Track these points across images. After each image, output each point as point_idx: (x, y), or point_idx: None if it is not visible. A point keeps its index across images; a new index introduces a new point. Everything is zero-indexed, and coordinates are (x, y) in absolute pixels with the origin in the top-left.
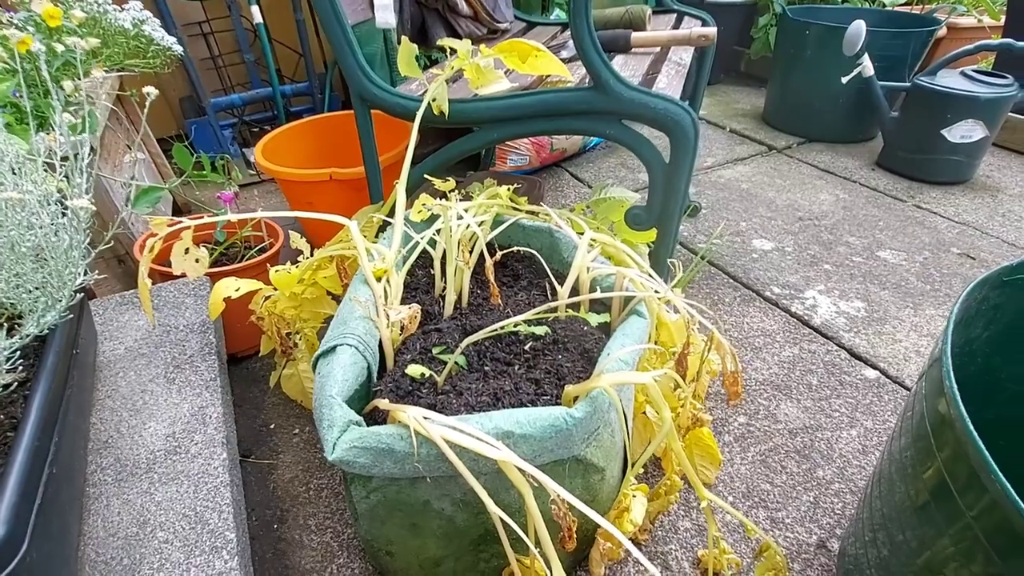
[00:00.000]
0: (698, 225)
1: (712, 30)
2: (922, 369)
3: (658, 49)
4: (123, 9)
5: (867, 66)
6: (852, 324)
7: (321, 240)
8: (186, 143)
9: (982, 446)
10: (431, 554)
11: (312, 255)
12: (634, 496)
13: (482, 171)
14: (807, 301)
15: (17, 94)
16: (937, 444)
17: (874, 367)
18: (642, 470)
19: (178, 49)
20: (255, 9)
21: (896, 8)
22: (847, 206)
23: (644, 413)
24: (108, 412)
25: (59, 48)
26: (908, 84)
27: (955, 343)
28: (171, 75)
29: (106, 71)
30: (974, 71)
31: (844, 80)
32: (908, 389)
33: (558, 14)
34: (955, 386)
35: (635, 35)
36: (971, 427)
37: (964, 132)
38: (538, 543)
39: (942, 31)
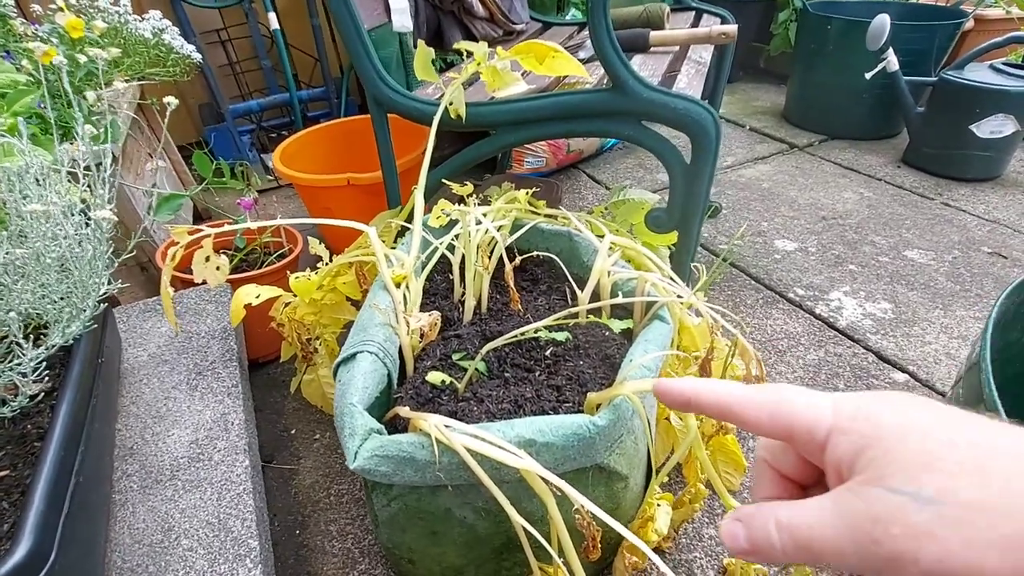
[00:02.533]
0: (718, 226)
1: (733, 27)
2: (958, 373)
3: (677, 48)
4: (143, 19)
5: (892, 61)
6: (879, 326)
7: (340, 245)
8: (206, 150)
9: None
10: (452, 562)
11: (331, 261)
12: (658, 505)
13: (499, 174)
14: (832, 303)
15: (42, 105)
16: None
17: (903, 370)
18: (665, 478)
19: (197, 57)
20: (272, 15)
21: (920, 0)
22: (872, 205)
23: (667, 419)
24: (133, 419)
25: (82, 59)
26: (934, 79)
27: (993, 346)
28: (190, 82)
29: (127, 80)
30: (1004, 64)
31: (868, 76)
32: (939, 392)
33: (574, 14)
34: (995, 393)
35: (654, 34)
36: None
37: (994, 127)
38: (561, 552)
39: (969, 23)
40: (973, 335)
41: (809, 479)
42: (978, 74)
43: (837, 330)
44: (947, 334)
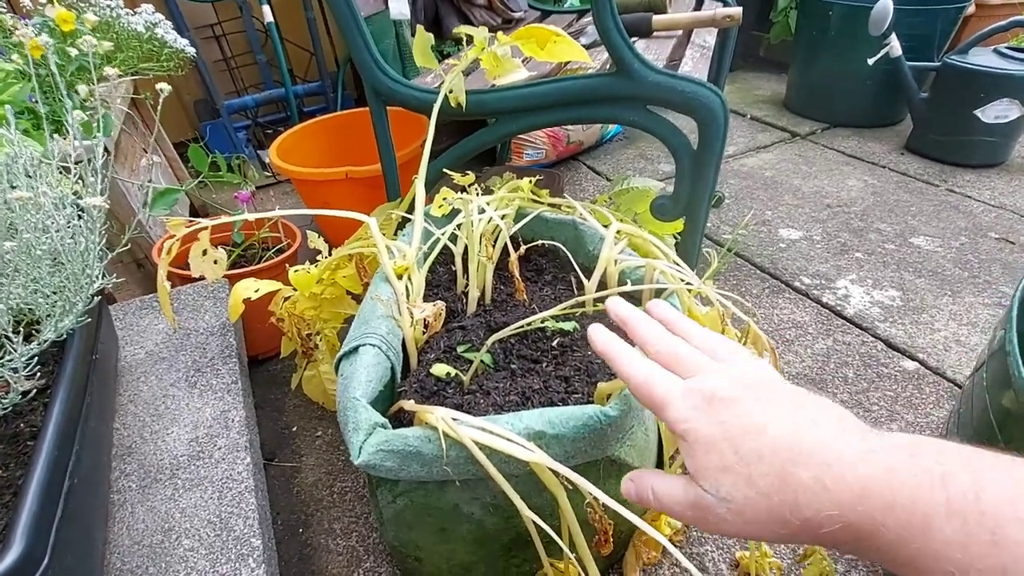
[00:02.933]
0: (722, 215)
1: (738, 10)
2: (978, 361)
3: (680, 33)
4: (135, 13)
5: (895, 46)
6: (887, 314)
7: (339, 239)
8: (201, 144)
9: None
10: (461, 559)
11: (330, 254)
12: None
13: (498, 166)
14: (839, 291)
15: (33, 99)
16: (1004, 438)
17: (913, 358)
18: (679, 470)
19: (191, 51)
20: (266, 9)
21: None
22: (876, 192)
23: None
24: (131, 417)
25: (73, 52)
26: (938, 64)
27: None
28: (184, 78)
29: (120, 75)
30: (1008, 48)
31: (870, 62)
32: (950, 380)
33: (572, 2)
34: None
35: (656, 18)
36: None
37: (999, 112)
38: (573, 547)
39: (971, 8)
40: (983, 321)
41: None
42: (982, 58)
43: (845, 318)
44: (956, 321)
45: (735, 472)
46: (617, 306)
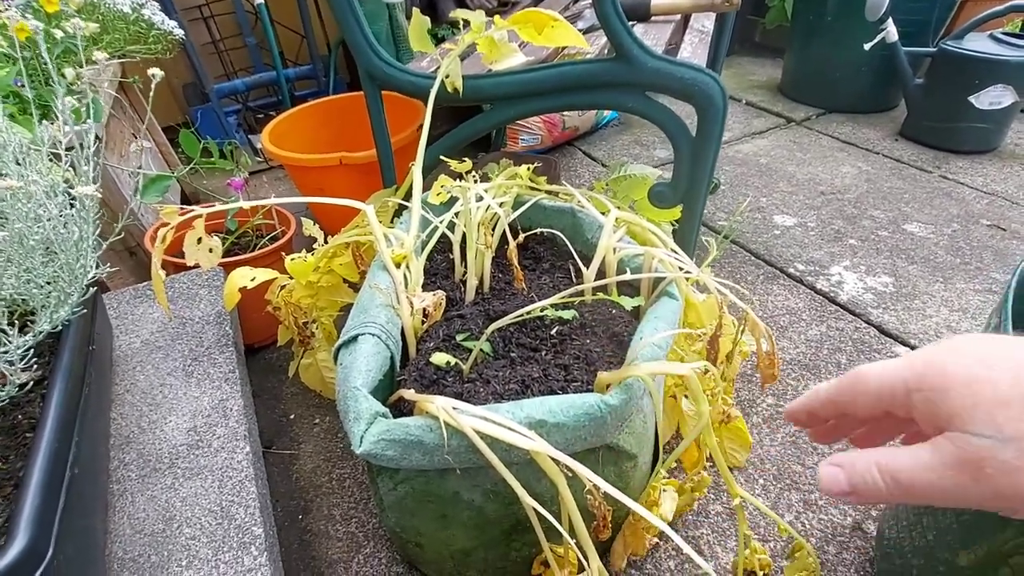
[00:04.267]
0: (717, 202)
1: None
2: None
3: (678, 17)
4: None
5: (891, 31)
6: (880, 300)
7: (334, 226)
8: (192, 130)
9: None
10: (461, 545)
11: (326, 242)
12: (664, 490)
13: (494, 152)
14: (833, 277)
15: (19, 83)
16: None
17: (905, 344)
18: (674, 463)
19: (179, 33)
20: None
21: None
22: (870, 178)
23: (672, 397)
24: (128, 407)
25: (58, 34)
26: (933, 49)
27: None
28: (172, 61)
29: (109, 58)
30: (1004, 34)
31: (867, 47)
32: None
33: None
34: None
35: (655, 2)
36: None
37: (993, 98)
38: (573, 532)
39: None
40: (974, 308)
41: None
42: (978, 44)
43: (838, 305)
44: (948, 307)
45: (1018, 404)
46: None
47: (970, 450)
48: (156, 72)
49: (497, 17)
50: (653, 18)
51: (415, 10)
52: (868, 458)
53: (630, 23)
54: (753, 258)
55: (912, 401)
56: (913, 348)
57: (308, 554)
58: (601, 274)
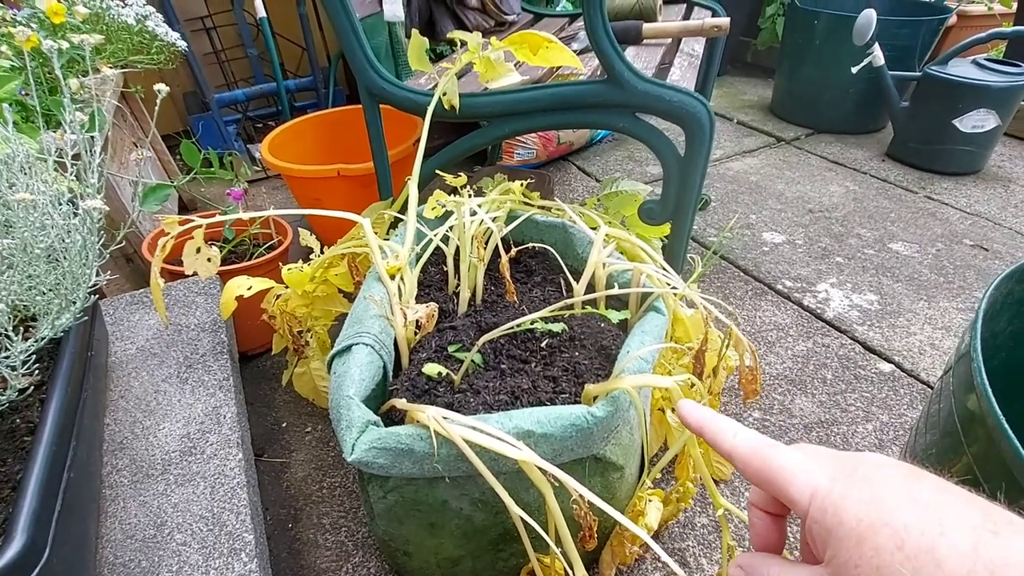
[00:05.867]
0: (708, 218)
1: (725, 20)
2: (947, 364)
3: (669, 40)
4: (126, 4)
5: (878, 55)
6: (865, 317)
7: (331, 237)
8: (193, 140)
9: (1016, 442)
10: (449, 554)
11: (322, 252)
12: (649, 500)
13: (489, 166)
14: (819, 294)
15: (24, 92)
16: (967, 440)
17: (889, 360)
18: (659, 474)
19: (182, 44)
20: (258, 3)
21: None
22: (857, 198)
23: (660, 410)
24: (122, 413)
25: (64, 45)
26: (919, 73)
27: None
28: (174, 71)
29: (111, 68)
30: (986, 59)
31: (854, 70)
32: (924, 383)
33: (564, 5)
34: (987, 382)
35: (646, 26)
36: (1005, 423)
37: (976, 122)
38: (559, 542)
39: (952, 19)
40: (956, 326)
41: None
42: (961, 69)
43: (824, 321)
44: (931, 325)
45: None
46: (689, 409)
47: None
48: (161, 87)
49: (493, 38)
50: (645, 41)
51: (414, 31)
52: (764, 568)
53: (623, 46)
54: (742, 274)
55: (808, 522)
56: (897, 365)
57: (297, 563)
58: (591, 288)
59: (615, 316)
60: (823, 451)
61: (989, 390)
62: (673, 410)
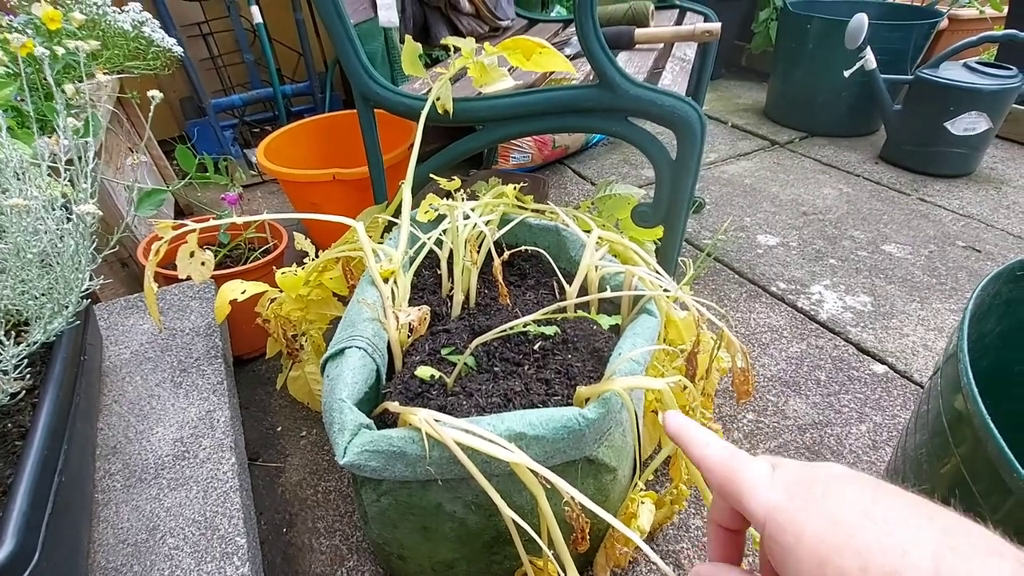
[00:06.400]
0: (702, 221)
1: (716, 26)
2: (936, 364)
3: (661, 45)
4: (122, 11)
5: (870, 59)
6: (859, 319)
7: (326, 241)
8: (189, 144)
9: (1002, 442)
10: (443, 557)
11: (317, 256)
12: (642, 503)
13: (485, 170)
14: (813, 296)
15: (19, 98)
16: (955, 440)
17: (882, 362)
18: (651, 475)
19: (178, 50)
20: (255, 9)
21: (897, 0)
22: (851, 200)
23: (654, 412)
24: (115, 417)
25: (60, 51)
26: (911, 77)
27: (968, 338)
28: (171, 76)
29: (106, 73)
30: (977, 63)
31: (846, 74)
32: (917, 383)
33: (559, 11)
34: (973, 382)
35: (639, 31)
36: (991, 423)
37: (967, 124)
38: (551, 545)
39: (943, 23)
40: (949, 327)
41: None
42: (952, 72)
43: (818, 323)
44: (924, 326)
45: None
46: (671, 417)
47: None
48: (156, 94)
49: (487, 43)
50: (637, 46)
51: (408, 37)
52: None
53: (616, 51)
54: (737, 276)
55: (764, 537)
56: (890, 366)
57: (292, 567)
58: (584, 291)
59: (605, 321)
60: (789, 464)
61: (975, 390)
62: None
